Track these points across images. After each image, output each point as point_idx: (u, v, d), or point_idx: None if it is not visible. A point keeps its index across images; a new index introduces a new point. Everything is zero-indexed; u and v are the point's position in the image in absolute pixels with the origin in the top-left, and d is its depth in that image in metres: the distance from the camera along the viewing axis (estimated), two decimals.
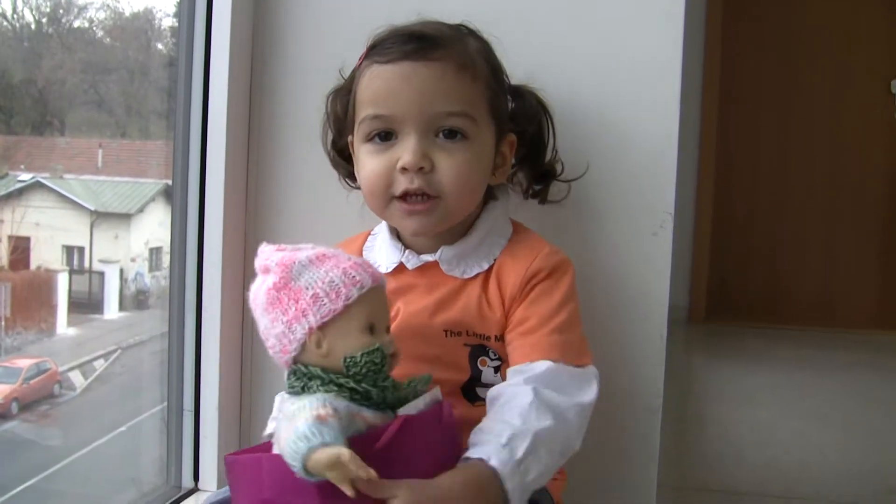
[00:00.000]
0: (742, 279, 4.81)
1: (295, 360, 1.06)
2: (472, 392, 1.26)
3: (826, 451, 2.68)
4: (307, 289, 1.05)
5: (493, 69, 1.26)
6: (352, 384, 1.02)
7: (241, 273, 1.60)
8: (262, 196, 1.61)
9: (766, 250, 4.80)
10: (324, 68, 1.38)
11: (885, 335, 4.45)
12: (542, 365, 1.16)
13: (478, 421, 1.19)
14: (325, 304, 1.04)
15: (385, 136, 1.22)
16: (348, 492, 0.91)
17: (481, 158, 1.22)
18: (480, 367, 1.25)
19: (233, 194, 1.57)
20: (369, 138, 1.23)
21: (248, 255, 1.60)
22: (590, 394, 1.19)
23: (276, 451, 1.01)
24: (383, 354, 1.04)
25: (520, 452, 1.05)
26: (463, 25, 1.29)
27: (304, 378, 1.04)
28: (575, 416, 1.15)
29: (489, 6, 1.46)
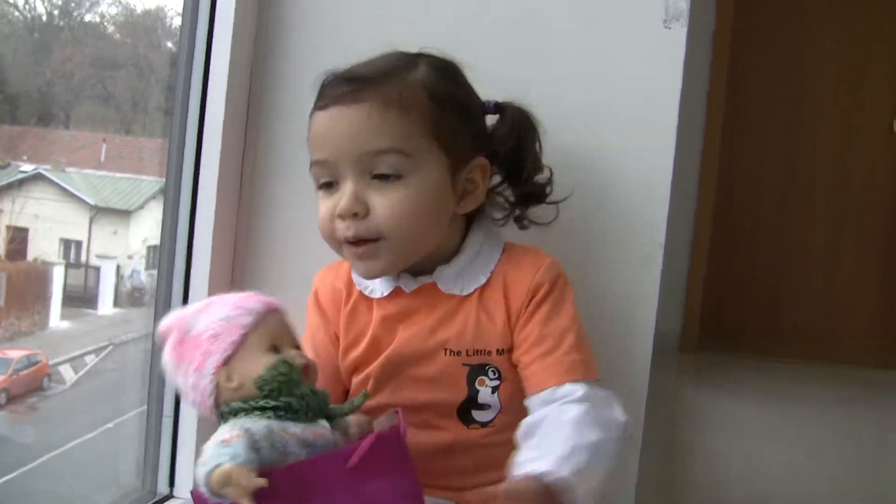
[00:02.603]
0: (737, 309, 4.81)
1: (217, 404, 1.09)
2: (468, 414, 1.25)
3: (814, 484, 2.67)
4: (204, 332, 1.09)
5: (445, 97, 1.23)
6: (272, 402, 1.05)
7: (228, 276, 1.59)
8: (256, 199, 1.60)
9: (765, 281, 4.80)
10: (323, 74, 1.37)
11: (883, 373, 4.44)
12: (574, 388, 1.18)
13: (472, 444, 1.24)
14: (223, 340, 1.08)
15: (328, 183, 1.23)
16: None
17: (425, 194, 1.20)
18: (478, 387, 1.25)
19: (225, 196, 1.56)
20: (318, 185, 1.24)
21: (238, 259, 1.60)
22: (621, 413, 1.20)
23: None
24: (289, 365, 1.07)
25: (580, 463, 1.08)
26: (421, 54, 1.27)
27: (229, 417, 1.07)
28: (618, 432, 1.17)
29: (481, 25, 1.48)
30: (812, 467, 2.86)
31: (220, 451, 0.97)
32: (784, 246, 4.77)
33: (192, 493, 1.08)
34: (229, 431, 1.00)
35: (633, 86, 1.44)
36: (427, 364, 1.25)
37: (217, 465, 0.95)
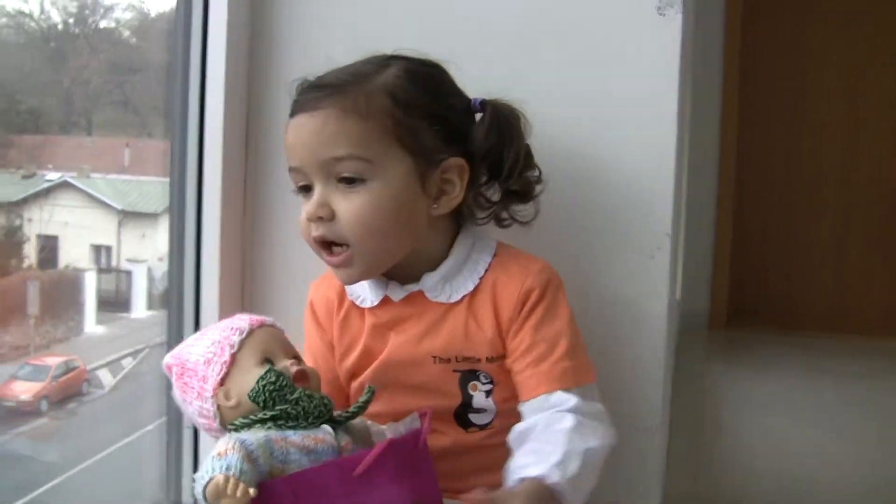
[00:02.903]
0: (759, 286, 4.80)
1: (223, 426, 1.13)
2: (465, 418, 1.27)
3: (839, 463, 2.64)
4: (199, 359, 1.14)
5: (410, 101, 1.22)
6: (269, 413, 1.08)
7: (238, 276, 1.60)
8: (260, 195, 1.60)
9: (781, 257, 4.80)
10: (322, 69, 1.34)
11: None
12: (566, 397, 1.19)
13: (472, 447, 1.26)
14: (216, 362, 1.13)
15: (305, 186, 1.24)
16: None
17: (389, 198, 1.20)
18: (471, 392, 1.26)
19: (230, 195, 1.56)
20: (297, 190, 1.26)
21: (247, 257, 1.60)
22: (609, 429, 1.21)
23: None
24: (276, 373, 1.10)
25: (573, 470, 1.10)
26: (397, 56, 1.28)
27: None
28: (603, 434, 1.19)
29: (475, 20, 1.47)
30: (838, 446, 2.85)
31: (215, 464, 0.99)
32: (802, 225, 4.76)
33: None
34: (224, 444, 1.02)
35: (631, 75, 1.42)
36: (417, 372, 1.26)
37: (211, 479, 0.98)
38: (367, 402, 1.14)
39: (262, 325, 1.18)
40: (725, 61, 4.65)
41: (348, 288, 1.32)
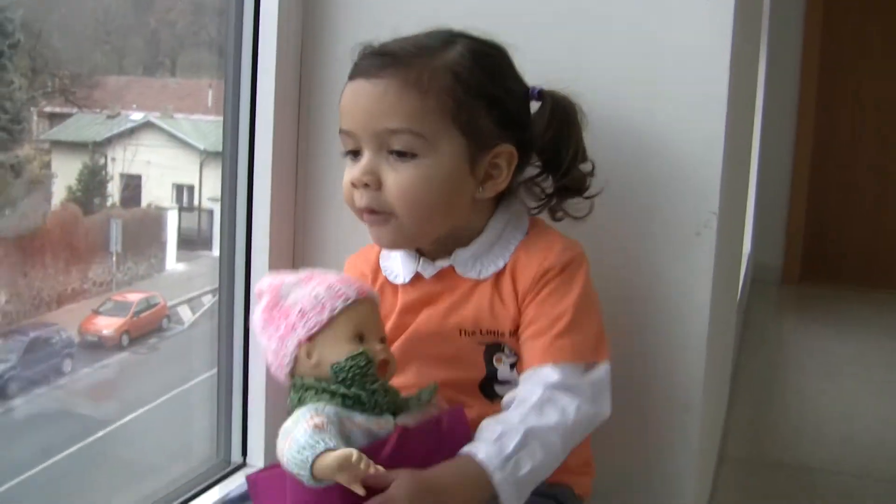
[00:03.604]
0: (840, 238, 4.72)
1: (291, 374, 1.12)
2: (491, 389, 1.27)
3: None
4: (295, 305, 1.12)
5: (472, 83, 1.22)
6: (342, 390, 1.07)
7: (291, 224, 1.61)
8: (312, 141, 1.60)
9: (867, 208, 4.69)
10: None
11: None
12: (551, 371, 1.19)
13: None
14: (311, 318, 1.11)
15: (354, 151, 1.24)
16: (359, 490, 0.97)
17: (438, 176, 1.20)
18: (496, 365, 1.26)
19: (282, 137, 1.56)
20: (345, 152, 1.26)
21: (299, 199, 1.61)
22: (604, 406, 1.21)
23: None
24: (368, 359, 1.09)
25: (509, 448, 1.10)
26: (463, 35, 1.26)
27: (299, 390, 1.10)
28: (583, 415, 1.18)
29: (519, 7, 1.45)
30: None
31: (321, 435, 0.99)
32: (886, 174, 4.65)
33: (247, 478, 1.14)
34: (317, 416, 1.02)
35: (681, 53, 1.39)
36: (445, 344, 1.27)
37: (326, 449, 0.98)
38: (428, 399, 1.15)
39: (366, 297, 1.16)
40: (806, 14, 4.54)
41: (382, 263, 1.33)
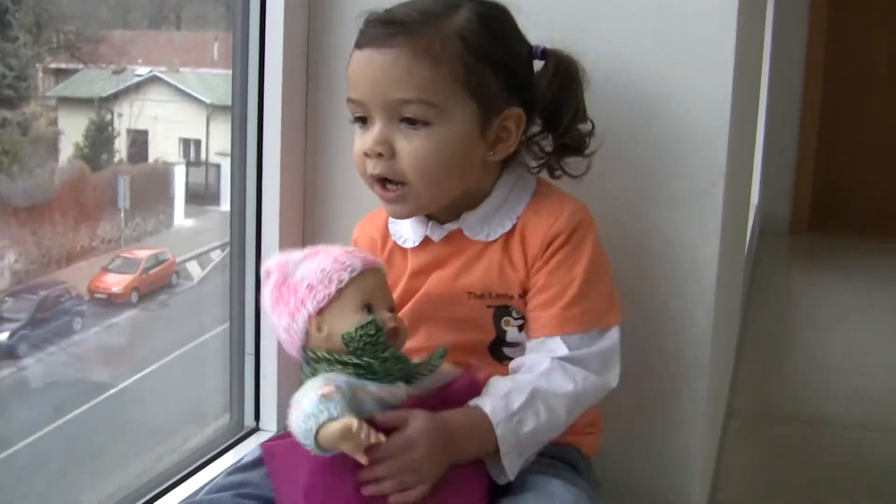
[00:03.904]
0: (849, 187, 4.70)
1: (304, 349, 1.13)
2: (500, 351, 1.28)
3: None
4: (302, 280, 1.13)
5: (481, 48, 1.21)
6: (354, 360, 1.08)
7: (301, 178, 1.61)
8: (321, 95, 1.58)
9: (876, 157, 4.67)
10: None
11: None
12: (560, 343, 1.20)
13: None
14: (319, 291, 1.11)
15: (363, 119, 1.23)
16: (362, 459, 0.99)
17: (451, 142, 1.20)
18: (505, 328, 1.26)
19: (291, 93, 1.55)
20: (354, 120, 1.25)
21: (309, 153, 1.60)
22: (611, 378, 1.23)
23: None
24: (377, 327, 1.10)
25: (515, 405, 1.13)
26: None
27: (313, 363, 1.11)
28: (590, 386, 1.20)
29: None
30: None
31: (327, 404, 1.00)
32: (893, 124, 4.62)
33: (262, 445, 1.15)
34: (326, 386, 1.03)
35: (688, 13, 1.38)
36: (454, 307, 1.27)
37: (329, 418, 0.99)
38: (438, 365, 1.16)
39: (372, 268, 1.16)
40: None
41: (391, 228, 1.34)
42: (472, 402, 1.13)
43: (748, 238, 3.38)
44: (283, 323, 1.14)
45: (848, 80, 4.64)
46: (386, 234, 1.34)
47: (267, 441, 1.17)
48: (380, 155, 1.20)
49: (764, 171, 4.32)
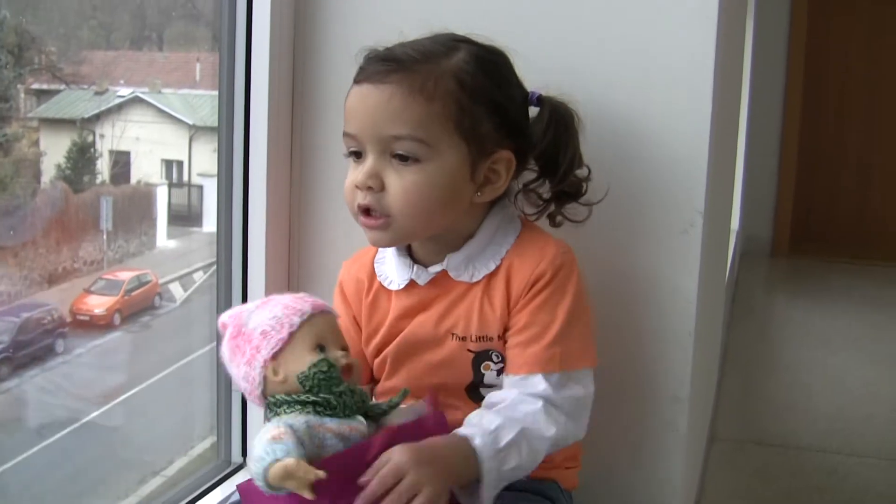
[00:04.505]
0: (829, 211, 4.74)
1: (264, 395, 1.16)
2: (477, 393, 1.29)
3: (894, 405, 2.66)
4: (256, 329, 1.16)
5: (475, 89, 1.23)
6: (311, 397, 1.12)
7: (286, 198, 1.62)
8: (307, 116, 1.60)
9: (856, 181, 4.71)
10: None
11: None
12: (541, 382, 1.22)
13: None
14: (272, 337, 1.15)
15: (357, 154, 1.25)
16: (307, 495, 1.01)
17: (439, 181, 1.21)
18: (484, 371, 1.28)
19: (277, 115, 1.56)
20: (348, 154, 1.27)
21: (295, 171, 1.61)
22: (581, 428, 1.25)
23: None
24: (330, 363, 1.14)
25: (502, 442, 1.15)
26: (466, 40, 1.28)
27: (273, 408, 1.14)
28: (568, 432, 1.23)
29: (511, 10, 1.46)
30: (895, 385, 2.84)
31: (274, 446, 1.03)
32: (873, 148, 4.66)
33: (238, 487, 1.16)
34: (276, 429, 1.06)
35: (663, 52, 1.41)
36: (436, 349, 1.29)
37: (275, 460, 1.02)
38: (398, 403, 1.18)
39: (321, 312, 1.20)
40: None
41: (378, 268, 1.35)
42: (462, 432, 1.15)
43: (729, 262, 3.40)
44: (241, 372, 1.17)
45: (827, 106, 4.68)
46: (372, 275, 1.35)
47: (243, 483, 1.18)
48: (370, 188, 1.21)
49: (745, 196, 4.35)
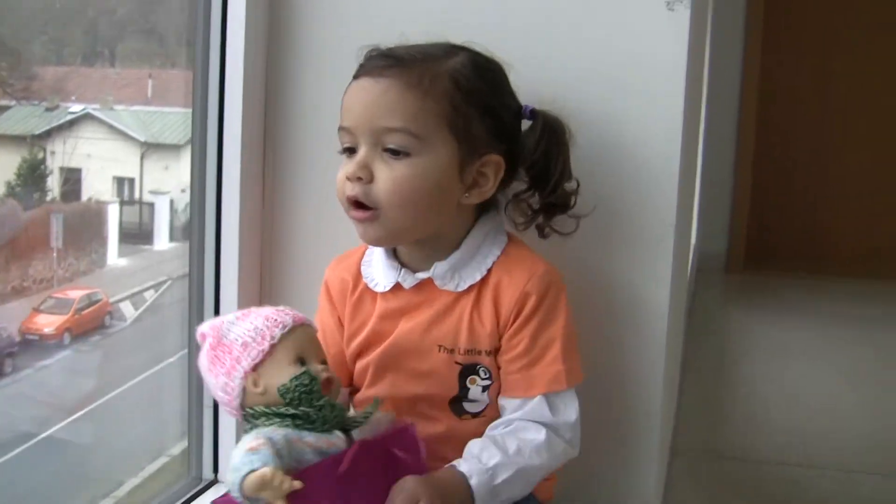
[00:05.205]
0: (782, 227, 4.79)
1: (242, 407, 1.17)
2: (460, 406, 1.32)
3: (851, 417, 2.68)
4: (236, 340, 1.18)
5: (470, 91, 1.27)
6: (291, 410, 1.13)
7: (259, 213, 1.63)
8: (280, 130, 1.62)
9: (808, 198, 4.77)
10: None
11: None
12: (543, 403, 1.27)
13: (464, 434, 1.29)
14: (253, 348, 1.16)
15: (350, 148, 1.27)
16: None
17: (428, 175, 1.24)
18: (469, 385, 1.30)
19: (251, 130, 1.58)
20: (342, 149, 1.29)
21: (267, 187, 1.63)
22: (576, 449, 1.30)
23: None
24: (311, 377, 1.15)
25: (498, 479, 1.20)
26: (467, 48, 1.31)
27: (252, 419, 1.15)
28: (565, 457, 1.29)
29: (485, 22, 1.48)
30: (852, 397, 2.86)
31: (251, 457, 1.04)
32: (825, 165, 4.73)
33: (213, 503, 1.19)
34: (255, 440, 1.07)
35: (638, 70, 1.45)
36: (422, 359, 1.31)
37: (251, 471, 1.03)
38: (371, 413, 1.20)
39: (302, 324, 1.21)
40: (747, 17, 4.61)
41: (363, 270, 1.37)
42: (460, 468, 1.20)
43: (687, 280, 3.43)
44: (219, 382, 1.18)
45: (780, 125, 4.74)
46: (358, 276, 1.37)
47: (219, 498, 1.20)
48: (359, 179, 1.24)
49: (701, 212, 4.40)
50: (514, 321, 1.27)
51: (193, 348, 1.58)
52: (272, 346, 1.16)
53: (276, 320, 1.19)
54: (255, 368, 1.16)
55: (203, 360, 1.21)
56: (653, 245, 1.45)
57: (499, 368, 1.30)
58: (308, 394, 1.14)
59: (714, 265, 4.67)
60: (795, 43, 4.66)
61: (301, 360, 1.17)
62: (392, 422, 1.22)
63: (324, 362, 1.21)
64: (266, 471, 1.02)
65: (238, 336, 1.18)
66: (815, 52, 4.65)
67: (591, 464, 1.46)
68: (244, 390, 1.16)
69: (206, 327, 1.22)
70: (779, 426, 2.56)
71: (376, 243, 1.33)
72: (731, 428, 2.57)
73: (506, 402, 1.28)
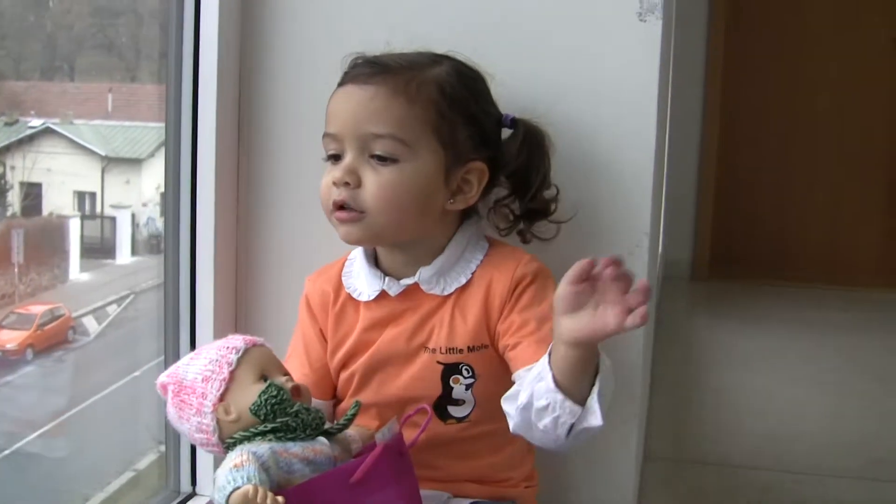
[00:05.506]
0: (747, 236, 4.82)
1: (222, 440, 1.17)
2: (444, 410, 1.32)
3: (819, 421, 2.69)
4: (197, 377, 1.19)
5: (455, 98, 1.29)
6: (269, 425, 1.14)
7: (233, 218, 1.63)
8: (255, 143, 1.63)
9: (772, 207, 4.81)
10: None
11: (890, 292, 4.48)
12: None
13: (449, 438, 1.31)
14: (215, 379, 1.18)
15: (335, 155, 1.28)
16: None
17: (415, 181, 1.26)
18: (452, 385, 1.31)
19: (225, 141, 1.59)
20: (326, 156, 1.30)
21: (241, 200, 1.63)
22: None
23: None
24: (278, 388, 1.16)
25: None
26: (450, 57, 1.33)
27: (234, 447, 1.14)
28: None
29: (465, 32, 1.48)
30: (820, 403, 2.88)
31: (235, 474, 1.04)
32: (789, 173, 4.77)
33: None
34: (238, 457, 1.07)
35: (611, 80, 1.47)
36: (407, 362, 1.32)
37: (235, 488, 1.03)
38: (353, 417, 1.20)
39: (255, 345, 1.22)
40: (713, 5, 4.65)
41: (345, 281, 1.37)
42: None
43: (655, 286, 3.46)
44: (193, 424, 1.18)
45: (744, 133, 4.78)
46: (339, 287, 1.38)
47: None
48: (346, 184, 1.25)
49: (666, 221, 4.43)
50: (512, 302, 1.28)
51: (170, 359, 1.60)
52: (231, 373, 1.18)
53: (228, 347, 1.20)
54: (222, 398, 1.17)
55: (171, 411, 1.21)
56: (628, 253, 1.46)
57: (486, 364, 1.30)
58: (279, 403, 1.14)
59: (679, 273, 4.69)
60: (758, 52, 4.71)
61: (264, 377, 1.19)
62: (365, 435, 1.24)
63: (286, 374, 1.22)
64: (248, 488, 1.02)
65: (197, 374, 1.19)
66: (777, 60, 4.70)
67: (572, 471, 1.49)
68: (219, 423, 1.17)
69: (164, 377, 1.22)
70: (750, 432, 2.57)
71: (357, 242, 1.33)
72: (703, 434, 2.57)
73: (523, 373, 1.23)
